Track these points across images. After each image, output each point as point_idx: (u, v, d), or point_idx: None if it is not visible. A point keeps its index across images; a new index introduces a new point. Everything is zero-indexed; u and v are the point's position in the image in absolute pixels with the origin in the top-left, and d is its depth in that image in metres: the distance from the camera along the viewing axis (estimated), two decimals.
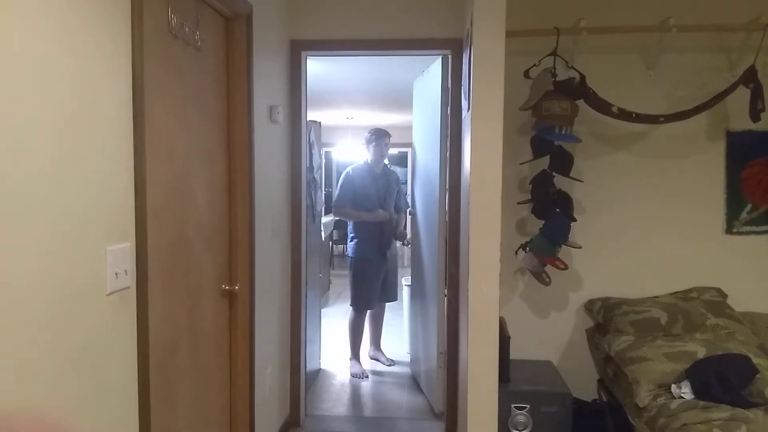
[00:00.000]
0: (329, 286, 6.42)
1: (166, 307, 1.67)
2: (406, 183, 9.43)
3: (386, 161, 4.01)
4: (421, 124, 3.59)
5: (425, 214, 3.47)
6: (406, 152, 8.98)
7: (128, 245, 1.38)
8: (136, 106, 1.40)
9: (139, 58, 1.39)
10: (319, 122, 4.07)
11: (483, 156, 2.09)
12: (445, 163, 2.94)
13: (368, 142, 3.89)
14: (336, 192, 3.91)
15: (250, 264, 2.23)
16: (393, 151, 9.63)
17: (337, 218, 6.22)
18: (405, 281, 4.58)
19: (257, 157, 2.33)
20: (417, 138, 3.75)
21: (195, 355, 1.86)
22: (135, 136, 1.40)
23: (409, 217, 4.12)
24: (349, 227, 3.93)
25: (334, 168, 10.80)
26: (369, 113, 7.27)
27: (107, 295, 1.30)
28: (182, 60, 1.75)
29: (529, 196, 2.78)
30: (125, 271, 1.36)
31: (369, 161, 3.90)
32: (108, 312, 1.31)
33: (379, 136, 3.87)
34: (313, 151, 3.62)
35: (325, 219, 6.05)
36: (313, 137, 3.65)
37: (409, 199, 4.49)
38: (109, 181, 1.31)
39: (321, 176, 4.27)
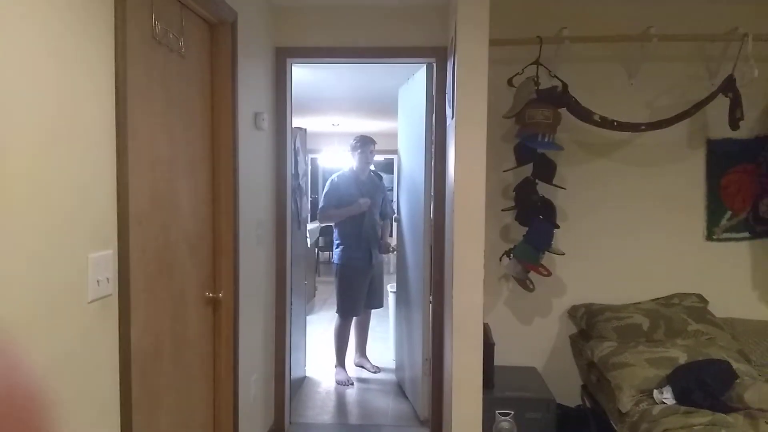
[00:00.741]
0: (315, 293, 6.39)
1: (149, 315, 1.66)
2: (392, 189, 9.46)
3: (372, 168, 4.03)
4: (406, 132, 3.61)
5: (410, 221, 3.48)
6: (392, 159, 8.99)
7: (110, 252, 1.37)
8: (119, 113, 1.40)
9: (122, 65, 1.39)
10: (305, 129, 4.08)
11: (467, 163, 2.11)
12: (430, 170, 2.95)
13: (353, 149, 3.92)
14: (322, 199, 3.92)
15: (234, 271, 2.22)
16: (379, 158, 9.62)
17: (323, 224, 6.25)
18: (390, 288, 4.58)
19: (242, 164, 2.33)
20: (402, 145, 3.76)
21: (178, 362, 1.85)
22: (117, 142, 1.40)
23: (395, 224, 4.13)
24: (335, 234, 3.94)
25: (320, 174, 10.76)
26: (355, 120, 7.28)
27: (89, 302, 1.29)
28: (166, 67, 1.75)
29: (512, 203, 2.80)
30: (107, 278, 1.36)
31: (354, 168, 3.92)
32: (89, 320, 1.30)
33: (365, 143, 3.89)
34: (298, 158, 3.62)
35: (310, 226, 6.03)
36: (298, 144, 3.64)
37: (395, 206, 4.51)
38: (91, 187, 1.30)
39: (306, 183, 4.26)
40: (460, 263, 2.13)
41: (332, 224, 4.00)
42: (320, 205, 3.90)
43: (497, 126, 2.85)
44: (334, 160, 7.81)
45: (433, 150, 2.91)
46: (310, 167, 9.42)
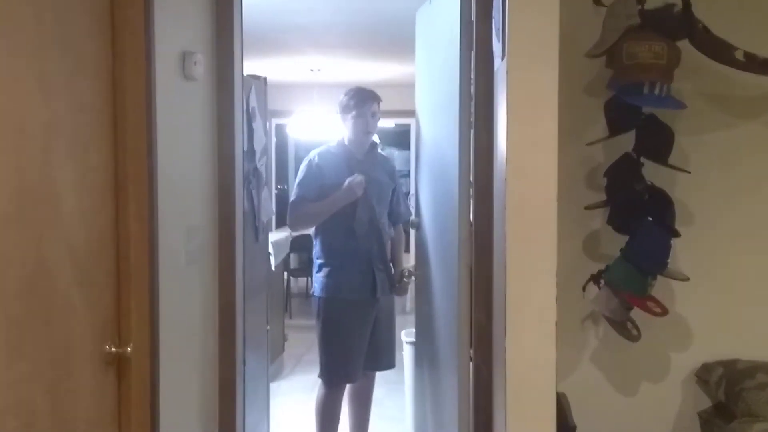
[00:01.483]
0: (284, 346, 6.42)
1: (12, 385, 1.66)
2: (408, 176, 9.44)
3: (376, 141, 4.10)
4: (428, 82, 3.63)
5: (437, 227, 3.51)
6: (408, 126, 9.01)
7: None
8: None
9: None
10: (264, 78, 4.10)
11: (527, 132, 2.12)
12: (468, 144, 2.97)
13: (345, 109, 3.98)
14: (293, 190, 4.00)
15: (150, 310, 2.23)
16: (386, 123, 9.63)
17: (297, 233, 6.27)
18: (406, 336, 4.58)
19: (162, 137, 2.34)
20: (423, 104, 3.79)
21: None
22: None
23: (412, 231, 4.15)
24: (316, 248, 3.99)
25: (291, 152, 10.81)
26: (346, 63, 7.31)
27: None
28: None
29: (603, 197, 2.81)
30: None
31: (347, 141, 4.00)
32: None
33: (362, 101, 3.95)
34: (254, 125, 3.66)
35: (276, 235, 6.06)
36: (253, 102, 3.67)
37: (412, 203, 4.49)
38: None
39: (268, 166, 4.29)
40: (517, 295, 2.14)
41: (310, 231, 4.05)
42: (291, 199, 3.98)
43: (577, 71, 2.84)
44: (314, 128, 7.83)
45: (472, 110, 2.92)
46: (274, 140, 9.52)
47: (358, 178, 3.82)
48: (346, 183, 3.82)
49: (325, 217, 3.89)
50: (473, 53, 2.91)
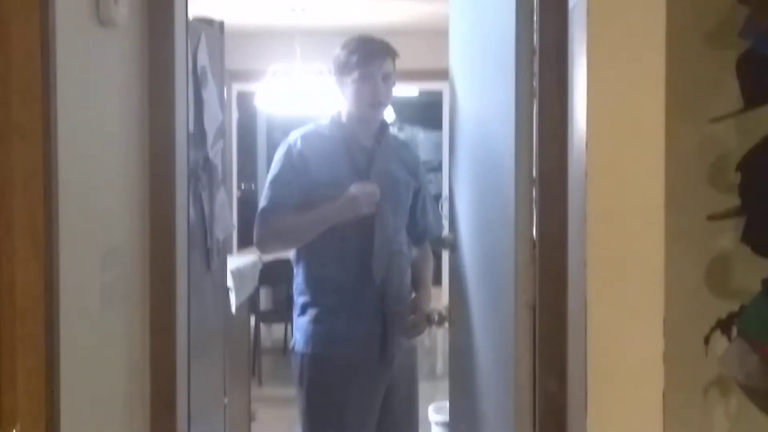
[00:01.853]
0: (250, 427, 6.43)
1: None
2: (438, 169, 9.38)
3: (389, 117, 4.11)
4: (469, 28, 3.67)
5: (482, 248, 3.53)
6: (438, 94, 9.03)
7: None
8: None
9: None
10: (220, 23, 4.13)
11: (618, 102, 2.15)
12: (529, 123, 2.97)
13: (343, 69, 4.03)
14: (264, 193, 4.06)
15: (46, 378, 2.24)
16: (404, 90, 9.55)
17: (269, 255, 6.25)
18: (436, 413, 4.58)
19: (64, 112, 2.35)
20: (461, 61, 3.84)
21: None
22: None
23: (444, 254, 4.15)
24: (298, 280, 4.04)
25: (260, 134, 10.81)
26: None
27: None
28: None
29: (736, 201, 2.79)
30: None
31: (345, 117, 4.08)
32: None
33: (370, 57, 3.99)
34: (204, 94, 3.71)
35: (238, 261, 6.06)
36: (204, 59, 3.72)
37: (444, 211, 4.50)
38: None
39: (226, 155, 4.32)
40: (604, 351, 2.15)
41: (289, 255, 4.13)
42: (260, 206, 4.04)
43: (695, 10, 2.83)
44: (295, 98, 7.84)
45: (535, 71, 2.93)
46: (236, 117, 9.53)
47: (368, 187, 3.85)
48: (349, 193, 3.85)
49: (311, 236, 3.91)
50: None
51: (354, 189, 3.83)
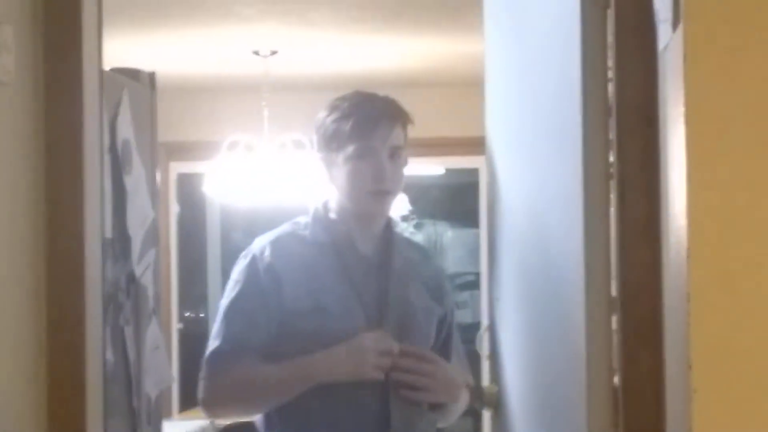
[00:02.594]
0: None
1: None
2: (474, 285, 9.33)
3: (400, 213, 4.09)
4: (512, 78, 3.71)
5: (540, 403, 3.54)
6: (473, 173, 9.07)
7: None
8: None
9: None
10: (150, 74, 4.12)
11: (737, 186, 2.17)
12: (602, 215, 2.98)
13: (330, 142, 3.97)
14: (216, 326, 3.98)
15: None
16: (422, 170, 9.50)
17: (220, 419, 6.20)
18: None
19: None
20: (502, 126, 3.86)
21: None
22: None
23: (485, 416, 4.13)
24: None
25: (210, 239, 10.83)
26: (332, 35, 7.46)
27: None
28: None
29: None
30: None
31: (334, 212, 4.03)
32: None
33: (369, 123, 3.93)
34: (126, 182, 3.68)
35: (178, 429, 6.03)
36: (126, 130, 3.70)
37: (485, 345, 4.49)
38: None
39: (159, 271, 4.31)
40: None
41: (254, 419, 4.06)
42: (209, 347, 3.97)
43: None
44: (261, 185, 7.88)
45: (612, 139, 2.95)
46: (176, 212, 9.54)
47: (384, 342, 3.80)
48: (356, 343, 3.78)
49: (286, 398, 3.86)
50: (611, 13, 2.96)
51: (366, 340, 3.77)
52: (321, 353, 3.78)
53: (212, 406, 4.05)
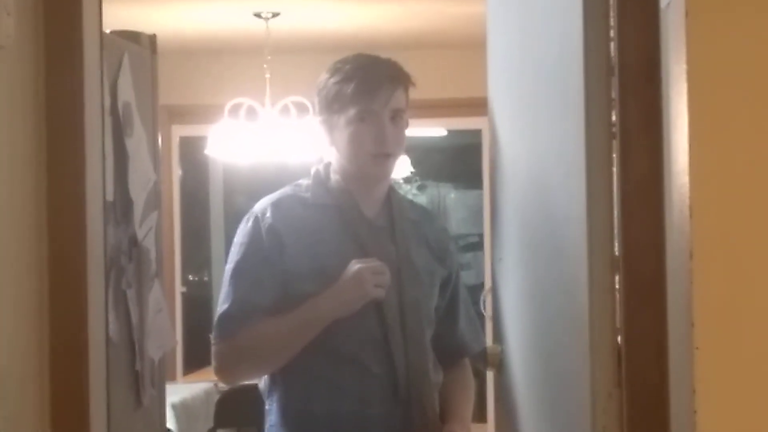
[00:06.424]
0: None
1: None
2: (478, 246, 9.34)
3: (403, 174, 4.08)
4: (514, 39, 3.71)
5: (543, 362, 3.55)
6: (476, 134, 9.05)
7: None
8: None
9: None
10: (150, 37, 4.11)
11: (740, 144, 2.17)
12: (605, 174, 2.98)
13: (332, 105, 3.96)
14: (223, 289, 3.97)
15: None
16: (424, 131, 9.46)
17: (231, 383, 6.19)
18: None
19: None
20: (504, 86, 3.86)
21: None
22: None
23: (488, 375, 4.12)
24: (272, 417, 4.00)
25: (213, 201, 10.83)
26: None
27: None
28: None
29: None
30: None
31: (336, 176, 4.03)
32: None
33: (371, 85, 3.92)
34: (128, 145, 3.71)
35: (182, 391, 6.05)
36: (127, 93, 3.70)
37: (488, 309, 4.49)
38: None
39: (160, 234, 4.33)
40: None
41: (259, 382, 4.08)
42: (219, 310, 3.95)
43: None
44: (263, 148, 7.85)
45: (614, 98, 2.94)
46: (178, 175, 9.53)
47: (374, 264, 3.82)
48: (351, 270, 3.79)
49: (297, 348, 3.86)
50: None
51: (357, 264, 3.75)
52: (323, 293, 3.79)
53: (227, 370, 4.05)
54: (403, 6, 7.35)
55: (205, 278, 10.78)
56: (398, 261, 3.92)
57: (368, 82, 3.89)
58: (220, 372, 4.06)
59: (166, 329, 4.14)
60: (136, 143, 3.66)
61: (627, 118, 2.80)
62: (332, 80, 3.92)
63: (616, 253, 2.92)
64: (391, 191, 4.04)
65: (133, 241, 3.66)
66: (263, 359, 3.94)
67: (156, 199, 3.93)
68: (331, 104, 3.92)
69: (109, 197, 3.27)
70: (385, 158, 3.92)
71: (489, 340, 4.10)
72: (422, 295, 3.94)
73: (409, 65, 3.99)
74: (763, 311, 2.23)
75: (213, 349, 3.90)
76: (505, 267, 3.92)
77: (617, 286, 2.94)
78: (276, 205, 3.95)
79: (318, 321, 3.80)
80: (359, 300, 3.77)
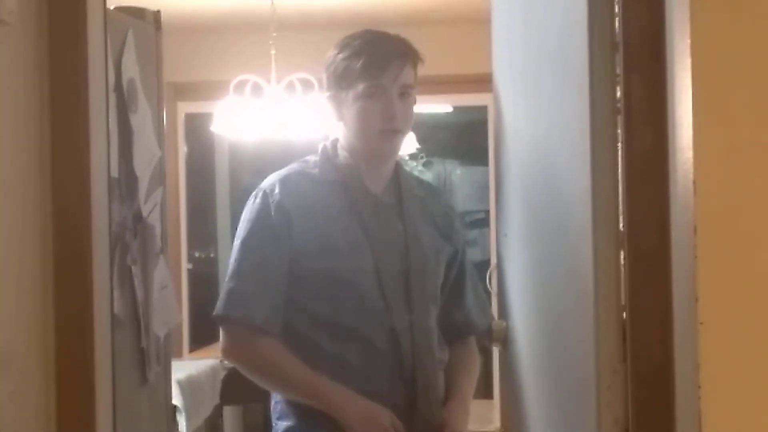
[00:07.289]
0: None
1: None
2: (484, 223, 9.35)
3: (409, 151, 4.08)
4: (518, 15, 3.71)
5: (548, 338, 3.55)
6: (482, 111, 9.04)
7: None
8: None
9: None
10: (154, 13, 4.09)
11: (743, 118, 2.16)
12: (610, 149, 2.98)
13: (340, 81, 3.97)
14: (231, 268, 3.96)
15: None
16: (431, 108, 9.46)
17: (233, 365, 6.22)
18: None
19: None
20: (508, 62, 3.87)
21: None
22: None
23: (494, 354, 4.12)
24: (277, 396, 4.04)
25: (219, 178, 10.82)
26: None
27: None
28: None
29: None
30: None
31: (343, 151, 4.04)
32: None
33: (379, 62, 3.93)
34: (132, 121, 3.71)
35: (187, 368, 6.05)
36: (131, 69, 3.71)
37: (494, 286, 4.49)
38: None
39: (165, 211, 4.32)
40: None
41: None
42: (228, 284, 3.94)
43: None
44: (270, 124, 7.85)
45: (618, 74, 2.94)
46: (184, 152, 9.53)
47: (384, 417, 3.76)
48: (371, 412, 3.75)
49: (289, 396, 3.92)
50: None
51: (386, 417, 3.74)
52: (346, 394, 3.79)
53: (233, 361, 4.11)
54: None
55: (212, 255, 10.77)
56: (405, 238, 3.92)
57: (377, 58, 3.90)
58: (226, 358, 4.16)
59: (172, 306, 4.13)
60: (141, 119, 3.66)
61: (631, 94, 2.80)
62: (341, 56, 3.93)
63: (621, 229, 2.92)
64: (399, 168, 4.04)
65: (138, 218, 3.66)
66: (263, 380, 4.07)
67: (161, 176, 3.92)
68: (340, 80, 3.93)
69: (114, 173, 3.27)
70: (394, 134, 3.93)
71: (495, 318, 4.09)
72: (428, 272, 3.95)
73: (415, 41, 3.98)
74: (767, 286, 2.20)
75: (222, 331, 3.95)
76: (510, 243, 3.91)
77: (622, 262, 2.94)
78: (284, 182, 3.95)
79: (320, 402, 3.82)
80: (358, 427, 3.77)
